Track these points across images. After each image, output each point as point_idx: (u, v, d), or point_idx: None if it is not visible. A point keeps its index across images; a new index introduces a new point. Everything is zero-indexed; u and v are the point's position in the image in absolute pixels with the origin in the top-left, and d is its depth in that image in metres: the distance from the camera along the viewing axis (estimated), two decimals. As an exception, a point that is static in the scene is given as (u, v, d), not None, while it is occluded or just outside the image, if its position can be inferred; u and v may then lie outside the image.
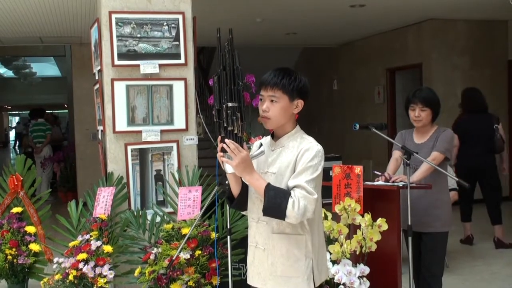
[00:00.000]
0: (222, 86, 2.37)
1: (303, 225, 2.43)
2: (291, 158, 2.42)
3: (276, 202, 2.31)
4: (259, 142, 2.60)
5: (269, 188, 2.34)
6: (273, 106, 2.43)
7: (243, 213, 2.65)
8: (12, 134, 30.75)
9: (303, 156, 2.39)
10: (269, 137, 2.60)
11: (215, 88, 2.39)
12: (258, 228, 2.52)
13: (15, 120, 34.38)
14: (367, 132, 3.91)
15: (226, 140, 2.33)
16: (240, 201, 2.56)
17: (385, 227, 3.55)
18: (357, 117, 10.73)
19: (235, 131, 2.34)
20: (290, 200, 2.30)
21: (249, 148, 2.47)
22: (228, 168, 2.41)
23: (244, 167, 2.33)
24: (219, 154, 2.37)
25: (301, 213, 2.30)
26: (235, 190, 2.53)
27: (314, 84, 11.99)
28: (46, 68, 20.17)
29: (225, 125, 2.34)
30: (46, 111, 12.32)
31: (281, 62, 11.93)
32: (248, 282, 2.62)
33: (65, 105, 19.58)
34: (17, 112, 32.20)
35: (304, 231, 2.44)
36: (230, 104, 2.34)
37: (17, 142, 25.91)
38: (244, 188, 2.54)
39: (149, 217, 4.25)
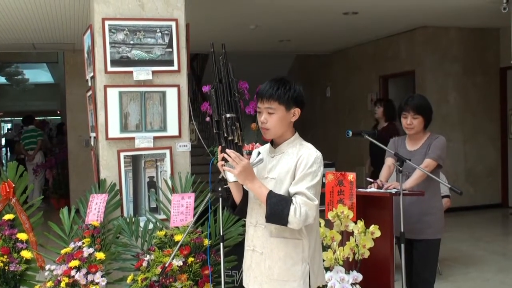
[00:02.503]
0: (219, 98, 2.45)
1: (301, 230, 2.49)
2: (291, 164, 2.48)
3: (278, 209, 2.38)
4: (257, 151, 2.65)
5: (271, 195, 2.41)
6: (271, 117, 2.50)
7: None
8: (3, 141, 30.46)
9: (303, 163, 2.45)
10: (268, 144, 2.66)
11: (212, 100, 2.47)
12: (256, 232, 2.57)
13: (7, 127, 34.17)
14: (360, 139, 3.92)
15: (227, 149, 2.40)
16: (243, 208, 2.64)
17: (377, 234, 3.56)
18: (350, 124, 10.75)
19: (235, 141, 2.42)
20: (292, 207, 2.37)
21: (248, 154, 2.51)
22: (230, 177, 2.49)
23: (246, 175, 2.41)
24: (220, 163, 2.44)
25: (302, 219, 2.37)
26: (237, 197, 2.62)
27: (307, 90, 11.99)
28: (39, 75, 20.09)
29: (225, 135, 2.41)
30: (36, 118, 12.28)
31: (274, 69, 11.97)
32: (244, 286, 2.65)
33: (58, 112, 19.55)
34: (9, 118, 32.04)
35: (301, 236, 2.50)
36: (228, 115, 2.43)
37: (7, 149, 25.54)
38: (246, 195, 2.62)
39: (141, 224, 4.24)
